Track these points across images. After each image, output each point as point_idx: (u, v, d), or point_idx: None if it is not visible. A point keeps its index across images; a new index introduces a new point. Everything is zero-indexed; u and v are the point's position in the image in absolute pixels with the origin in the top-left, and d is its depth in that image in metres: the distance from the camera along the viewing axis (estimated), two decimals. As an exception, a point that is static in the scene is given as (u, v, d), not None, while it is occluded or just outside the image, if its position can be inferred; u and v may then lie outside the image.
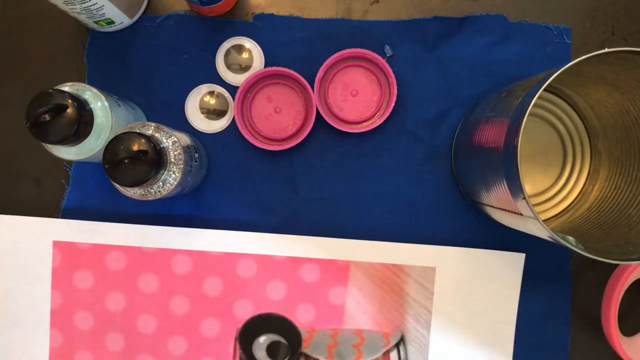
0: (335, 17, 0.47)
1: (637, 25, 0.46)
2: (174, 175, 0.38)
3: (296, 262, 0.45)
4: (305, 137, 0.45)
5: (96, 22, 0.44)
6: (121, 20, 0.45)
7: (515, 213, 0.34)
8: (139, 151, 0.34)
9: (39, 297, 0.46)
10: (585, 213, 0.42)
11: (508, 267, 0.45)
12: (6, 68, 0.47)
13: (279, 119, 0.46)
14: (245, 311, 0.45)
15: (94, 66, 0.47)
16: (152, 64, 0.47)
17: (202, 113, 0.46)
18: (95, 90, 0.39)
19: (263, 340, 0.45)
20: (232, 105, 0.46)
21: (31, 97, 0.35)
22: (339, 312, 0.45)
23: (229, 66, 0.46)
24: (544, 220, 0.44)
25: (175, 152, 0.38)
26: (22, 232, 0.45)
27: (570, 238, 0.33)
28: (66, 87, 0.39)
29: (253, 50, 0.46)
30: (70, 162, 0.47)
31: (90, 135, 0.38)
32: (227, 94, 0.46)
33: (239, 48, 0.46)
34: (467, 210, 0.46)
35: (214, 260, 0.45)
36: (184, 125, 0.46)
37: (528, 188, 0.45)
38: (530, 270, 0.45)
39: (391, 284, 0.45)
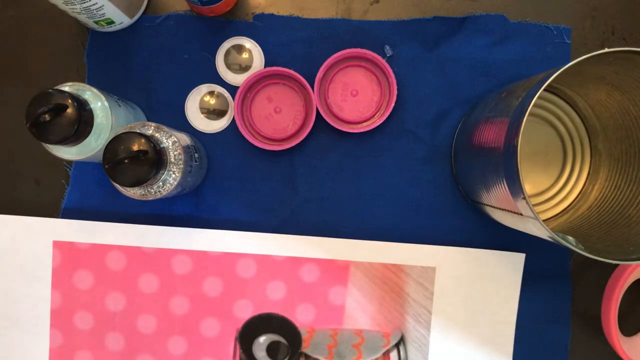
0: (335, 17, 0.47)
1: (637, 25, 0.46)
2: (174, 175, 0.38)
3: (296, 262, 0.45)
4: (305, 137, 0.45)
5: (96, 22, 0.44)
6: (121, 20, 0.45)
7: (515, 213, 0.34)
8: (139, 151, 0.34)
9: (39, 297, 0.46)
10: (585, 213, 0.42)
11: (508, 267, 0.45)
12: (6, 68, 0.47)
13: (279, 119, 0.46)
14: (245, 311, 0.45)
15: (94, 66, 0.47)
16: (152, 64, 0.47)
17: (202, 113, 0.46)
18: (95, 90, 0.39)
19: (263, 340, 0.45)
20: (232, 105, 0.46)
21: (31, 97, 0.35)
22: (339, 312, 0.45)
23: (229, 66, 0.46)
24: (544, 220, 0.44)
25: (175, 152, 0.38)
26: (22, 232, 0.45)
27: (570, 238, 0.33)
28: (66, 87, 0.39)
29: (253, 50, 0.46)
30: (70, 162, 0.47)
31: (90, 135, 0.38)
32: (227, 94, 0.46)
33: (239, 48, 0.46)
34: (467, 210, 0.46)
35: (214, 260, 0.45)
36: (184, 125, 0.46)
37: (528, 188, 0.45)
38: (530, 270, 0.45)
39: (391, 284, 0.45)
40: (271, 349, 0.45)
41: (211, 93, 0.47)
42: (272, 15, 0.47)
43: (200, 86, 0.46)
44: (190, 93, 0.46)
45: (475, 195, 0.42)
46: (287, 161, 0.46)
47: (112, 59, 0.47)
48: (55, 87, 0.37)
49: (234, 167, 0.46)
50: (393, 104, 0.44)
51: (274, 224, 0.46)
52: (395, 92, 0.44)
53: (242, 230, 0.45)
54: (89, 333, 0.46)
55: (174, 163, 0.38)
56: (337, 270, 0.45)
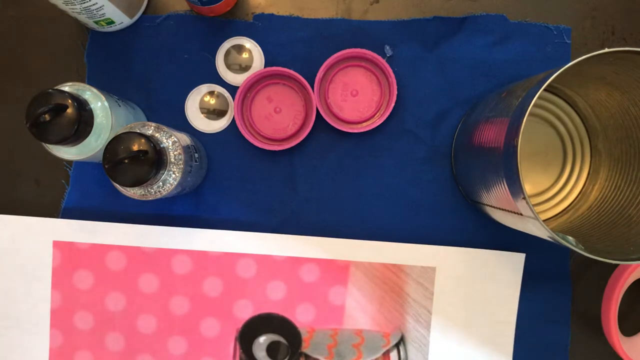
0: (335, 17, 0.47)
1: (637, 25, 0.46)
2: (174, 175, 0.38)
3: (296, 262, 0.45)
4: (305, 137, 0.45)
5: (96, 22, 0.44)
6: (121, 20, 0.45)
7: (515, 213, 0.34)
8: (139, 151, 0.34)
9: (39, 297, 0.46)
10: (585, 213, 0.42)
11: (508, 267, 0.45)
12: (6, 68, 0.47)
13: (279, 119, 0.46)
14: (245, 311, 0.45)
15: (94, 66, 0.47)
16: (152, 64, 0.47)
17: (202, 113, 0.46)
18: (95, 90, 0.39)
19: (263, 340, 0.45)
20: (232, 105, 0.46)
21: (31, 97, 0.35)
22: (339, 312, 0.45)
23: (229, 66, 0.46)
24: (544, 220, 0.44)
25: (175, 152, 0.38)
26: (22, 232, 0.45)
27: (570, 238, 0.33)
28: (66, 87, 0.39)
29: (253, 50, 0.46)
30: (70, 162, 0.47)
31: (90, 135, 0.38)
32: (227, 94, 0.46)
33: (239, 48, 0.46)
34: (467, 210, 0.46)
35: (214, 260, 0.45)
36: (184, 125, 0.46)
37: (528, 188, 0.45)
38: (530, 270, 0.45)
39: (391, 284, 0.45)
40: (271, 349, 0.45)
41: (211, 93, 0.47)
42: (272, 15, 0.47)
43: (200, 86, 0.46)
44: (190, 93, 0.46)
45: (475, 195, 0.42)
46: (287, 161, 0.46)
47: (112, 59, 0.47)
48: (55, 87, 0.37)
49: (234, 167, 0.46)
50: (393, 104, 0.44)
51: (274, 224, 0.46)
52: (395, 92, 0.44)
53: (242, 230, 0.45)
54: (89, 333, 0.46)
55: (174, 163, 0.38)
56: (337, 270, 0.45)
